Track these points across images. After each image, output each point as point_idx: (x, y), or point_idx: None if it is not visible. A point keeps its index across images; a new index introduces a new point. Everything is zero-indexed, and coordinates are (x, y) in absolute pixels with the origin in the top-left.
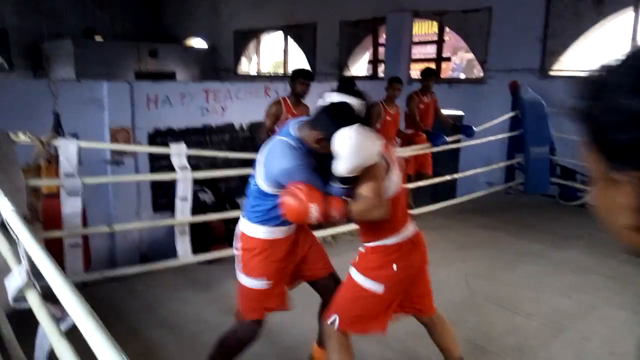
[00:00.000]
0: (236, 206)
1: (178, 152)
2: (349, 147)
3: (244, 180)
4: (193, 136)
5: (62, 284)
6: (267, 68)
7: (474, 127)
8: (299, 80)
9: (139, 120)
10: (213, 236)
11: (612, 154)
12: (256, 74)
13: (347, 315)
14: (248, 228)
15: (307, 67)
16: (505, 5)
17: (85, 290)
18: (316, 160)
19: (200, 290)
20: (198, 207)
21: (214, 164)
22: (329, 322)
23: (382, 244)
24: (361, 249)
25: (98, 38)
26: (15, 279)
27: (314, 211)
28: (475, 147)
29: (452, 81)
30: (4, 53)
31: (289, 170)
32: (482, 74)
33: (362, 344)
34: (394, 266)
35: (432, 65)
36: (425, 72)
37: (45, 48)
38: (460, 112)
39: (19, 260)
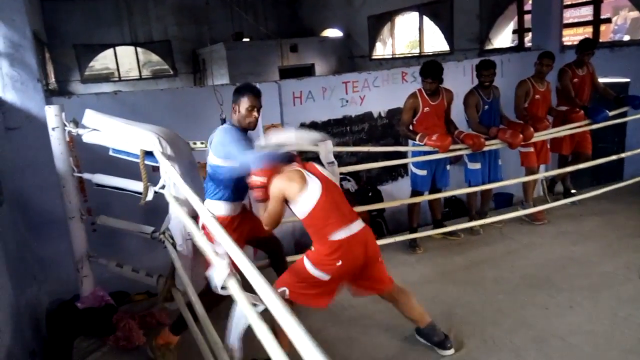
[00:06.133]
0: (377, 192)
1: (325, 150)
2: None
3: (384, 168)
4: (334, 127)
5: (257, 277)
6: (402, 49)
7: None
8: (423, 79)
9: (287, 116)
10: None
11: None
12: (391, 56)
13: (296, 290)
14: None
15: (445, 44)
16: None
17: None
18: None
19: None
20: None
21: (354, 152)
22: (279, 291)
23: (329, 239)
24: (312, 247)
25: (246, 40)
26: (220, 272)
27: None
28: None
29: (615, 44)
30: (169, 60)
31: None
32: None
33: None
34: (339, 262)
35: (590, 29)
36: (582, 46)
37: (202, 53)
38: (624, 79)
39: (220, 256)
